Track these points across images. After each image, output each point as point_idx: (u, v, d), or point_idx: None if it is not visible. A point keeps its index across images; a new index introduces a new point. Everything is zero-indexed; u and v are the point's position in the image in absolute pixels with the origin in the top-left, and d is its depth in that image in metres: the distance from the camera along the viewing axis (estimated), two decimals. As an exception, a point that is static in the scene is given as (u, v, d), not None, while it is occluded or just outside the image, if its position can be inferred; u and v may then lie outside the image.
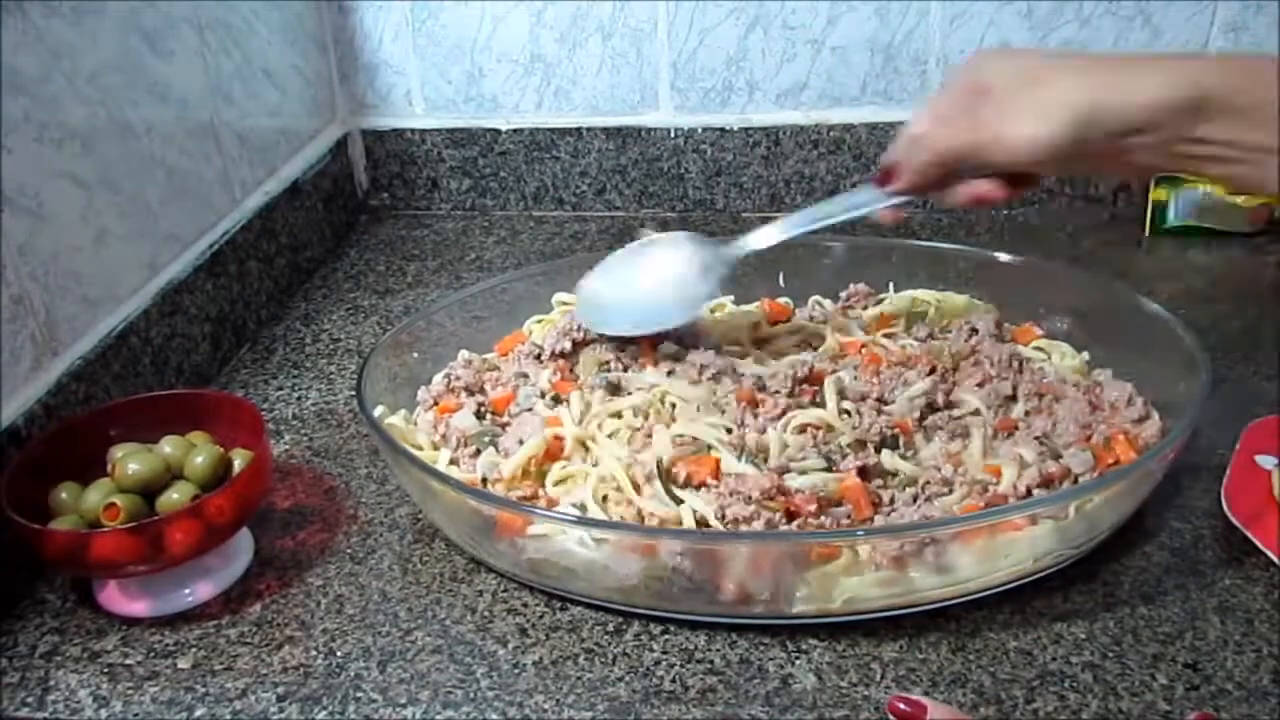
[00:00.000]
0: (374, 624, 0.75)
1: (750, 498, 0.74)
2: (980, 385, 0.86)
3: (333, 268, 1.26)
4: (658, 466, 0.77)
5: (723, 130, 1.29)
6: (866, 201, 0.83)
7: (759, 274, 1.05)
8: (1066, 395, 0.85)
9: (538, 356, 0.94)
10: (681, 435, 0.80)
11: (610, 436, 0.82)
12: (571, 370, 0.91)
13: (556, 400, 0.87)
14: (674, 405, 0.83)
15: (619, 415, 0.84)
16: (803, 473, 0.77)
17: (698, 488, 0.77)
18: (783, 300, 1.03)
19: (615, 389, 0.87)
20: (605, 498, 0.77)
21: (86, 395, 0.86)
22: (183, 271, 1.01)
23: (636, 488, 0.77)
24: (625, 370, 0.89)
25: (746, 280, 1.05)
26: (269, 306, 1.15)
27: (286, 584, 0.79)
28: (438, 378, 0.93)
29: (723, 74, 1.27)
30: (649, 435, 0.81)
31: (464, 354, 0.96)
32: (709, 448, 0.79)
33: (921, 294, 1.00)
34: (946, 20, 1.21)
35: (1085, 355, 0.93)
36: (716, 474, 0.77)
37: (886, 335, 0.95)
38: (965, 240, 1.22)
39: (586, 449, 0.82)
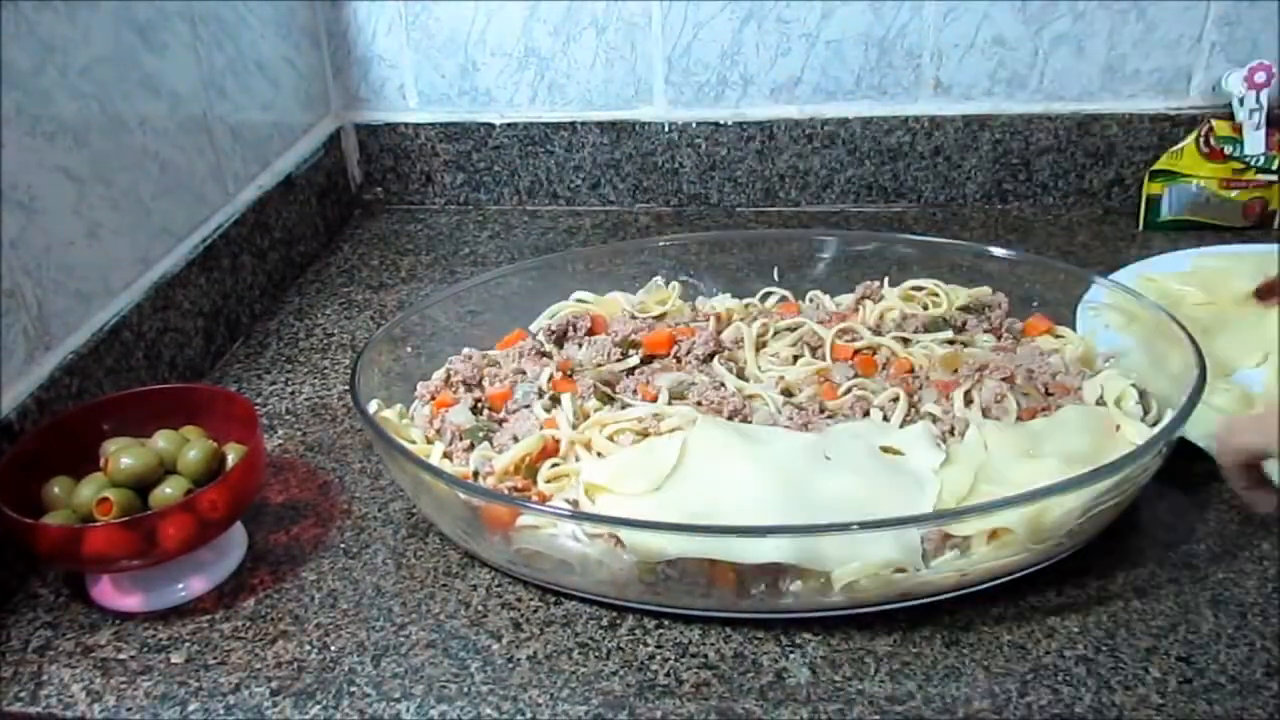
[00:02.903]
0: (368, 619, 0.75)
1: None
2: (999, 401, 0.86)
3: (326, 262, 1.26)
4: None
5: (717, 125, 1.29)
6: None
7: (754, 268, 1.05)
8: (1070, 390, 0.85)
9: (538, 352, 0.94)
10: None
11: (611, 439, 0.82)
12: (571, 373, 0.91)
13: (555, 400, 0.87)
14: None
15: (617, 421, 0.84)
16: None
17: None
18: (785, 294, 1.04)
19: (609, 399, 0.87)
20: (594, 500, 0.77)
21: (79, 390, 0.86)
22: (175, 265, 1.00)
23: None
24: (620, 396, 0.89)
25: (742, 275, 1.05)
26: (262, 301, 1.15)
27: (280, 579, 0.79)
28: (437, 373, 0.93)
29: (717, 68, 1.26)
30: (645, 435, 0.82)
31: (466, 350, 0.96)
32: None
33: (929, 284, 1.01)
34: (940, 15, 1.20)
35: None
36: None
37: (901, 338, 0.94)
38: (959, 235, 1.21)
39: (585, 449, 0.82)
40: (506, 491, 0.79)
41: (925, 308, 0.99)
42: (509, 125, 1.32)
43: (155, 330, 0.96)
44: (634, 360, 0.93)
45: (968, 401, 0.85)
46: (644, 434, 0.82)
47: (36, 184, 0.83)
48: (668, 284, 1.05)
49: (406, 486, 0.83)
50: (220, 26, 1.09)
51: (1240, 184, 1.16)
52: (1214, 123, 1.16)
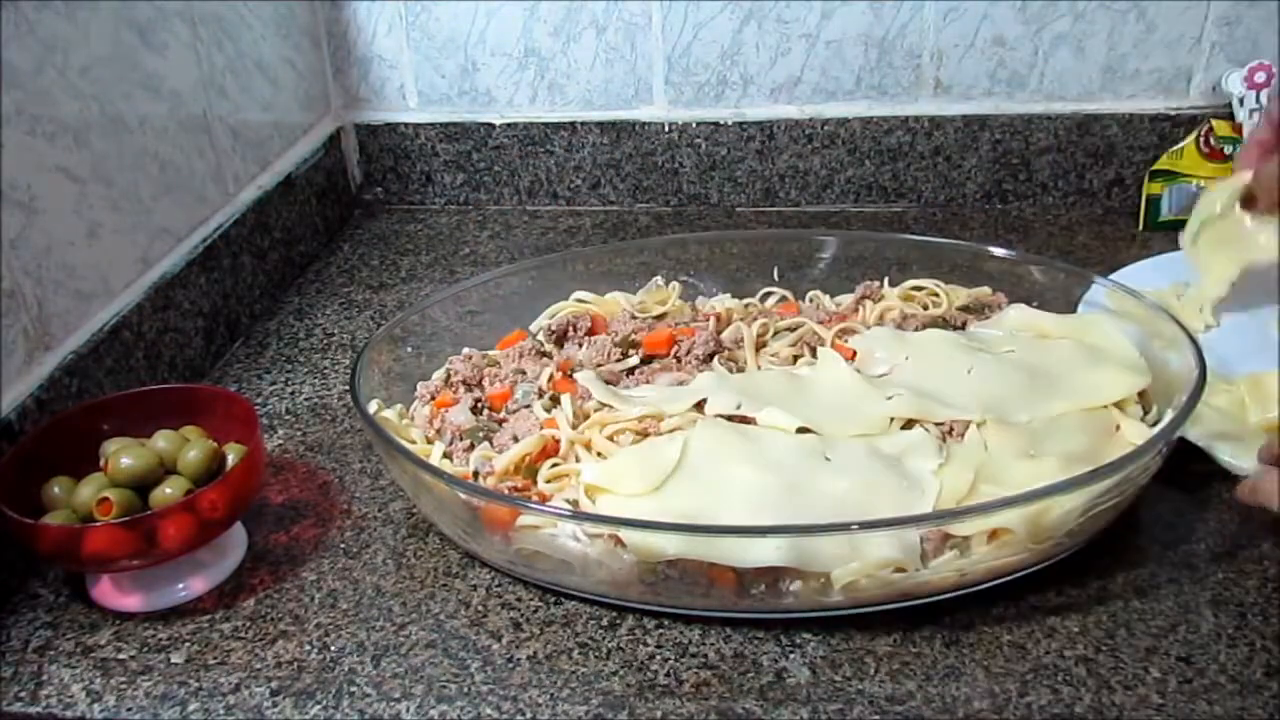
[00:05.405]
0: (368, 619, 0.75)
1: None
2: None
3: (326, 262, 1.26)
4: None
5: (717, 124, 1.29)
6: None
7: (754, 268, 1.05)
8: None
9: (538, 352, 0.94)
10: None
11: (611, 439, 0.82)
12: (571, 372, 0.91)
13: (555, 400, 0.87)
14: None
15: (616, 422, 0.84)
16: None
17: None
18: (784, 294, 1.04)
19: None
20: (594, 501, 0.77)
21: (79, 389, 0.86)
22: (175, 265, 1.00)
23: None
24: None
25: (742, 275, 1.05)
26: (262, 301, 1.15)
27: (280, 579, 0.79)
28: (437, 373, 0.93)
29: (717, 68, 1.27)
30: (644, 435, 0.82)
31: (466, 350, 0.96)
32: None
33: (929, 284, 1.01)
34: (940, 15, 1.20)
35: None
36: None
37: None
38: (959, 234, 1.22)
39: (585, 449, 0.82)
40: (506, 491, 0.79)
41: (925, 308, 0.99)
42: (509, 125, 1.32)
43: (155, 330, 0.96)
44: (634, 360, 0.93)
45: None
46: (644, 434, 0.82)
47: (36, 184, 0.83)
48: (668, 284, 1.05)
49: (406, 486, 0.83)
50: (220, 26, 1.09)
51: (1240, 184, 1.16)
52: (1214, 123, 1.16)
